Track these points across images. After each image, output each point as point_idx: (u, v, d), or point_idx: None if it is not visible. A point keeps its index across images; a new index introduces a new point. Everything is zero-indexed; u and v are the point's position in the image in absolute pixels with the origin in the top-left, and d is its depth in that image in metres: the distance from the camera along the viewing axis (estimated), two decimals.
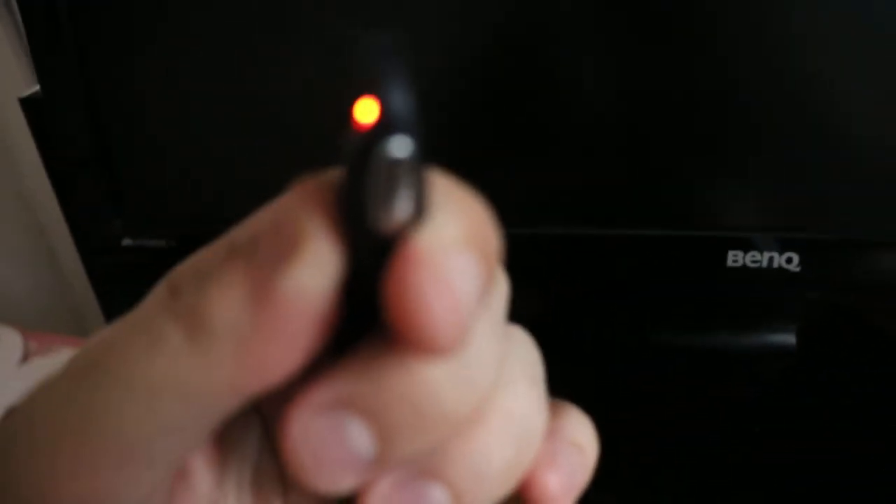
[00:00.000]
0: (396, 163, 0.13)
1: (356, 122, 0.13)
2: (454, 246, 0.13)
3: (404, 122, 0.13)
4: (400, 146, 0.13)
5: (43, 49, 0.40)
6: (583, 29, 0.37)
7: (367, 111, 0.13)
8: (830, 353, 0.48)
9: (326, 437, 0.15)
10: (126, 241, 0.44)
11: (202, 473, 0.17)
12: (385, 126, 0.13)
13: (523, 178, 0.39)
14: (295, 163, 0.42)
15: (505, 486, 0.16)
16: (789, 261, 0.39)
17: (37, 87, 0.42)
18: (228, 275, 0.14)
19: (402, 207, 0.13)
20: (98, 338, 0.16)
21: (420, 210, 0.13)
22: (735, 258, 0.40)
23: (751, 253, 0.39)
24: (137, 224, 0.45)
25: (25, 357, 0.53)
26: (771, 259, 0.40)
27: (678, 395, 0.43)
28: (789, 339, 0.47)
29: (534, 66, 0.38)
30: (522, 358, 0.17)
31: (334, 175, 0.14)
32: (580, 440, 0.18)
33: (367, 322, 0.14)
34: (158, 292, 0.16)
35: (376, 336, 0.14)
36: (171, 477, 0.16)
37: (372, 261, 0.13)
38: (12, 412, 0.16)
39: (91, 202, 0.44)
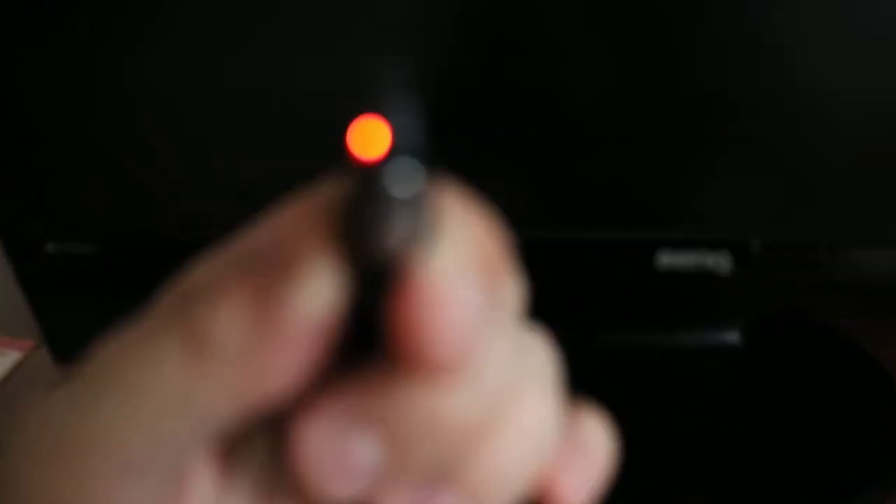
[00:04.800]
0: (401, 200, 0.13)
1: (357, 153, 0.13)
2: (460, 273, 0.14)
3: (411, 155, 0.13)
4: (406, 184, 0.13)
5: None
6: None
7: (366, 134, 0.13)
8: (774, 349, 0.48)
9: (336, 450, 0.15)
10: (50, 247, 0.43)
11: (205, 477, 0.17)
12: (390, 162, 0.13)
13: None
14: (229, 164, 0.41)
15: (520, 491, 0.17)
16: (719, 263, 0.40)
17: None
18: (232, 296, 0.14)
19: (405, 237, 0.13)
20: (104, 349, 0.16)
21: (424, 239, 0.13)
22: (665, 260, 0.40)
23: (681, 255, 0.39)
24: (61, 227, 0.44)
25: None
26: (701, 261, 0.40)
27: (623, 395, 0.43)
28: (733, 336, 0.48)
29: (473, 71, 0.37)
30: (537, 364, 0.17)
31: (335, 195, 0.14)
32: (596, 442, 0.18)
33: (372, 338, 0.15)
34: (165, 304, 0.17)
35: (383, 351, 0.15)
36: (172, 484, 0.16)
37: (375, 286, 0.14)
38: (19, 418, 0.16)
39: (11, 200, 0.43)
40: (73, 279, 0.46)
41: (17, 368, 0.54)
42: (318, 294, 0.14)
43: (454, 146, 0.39)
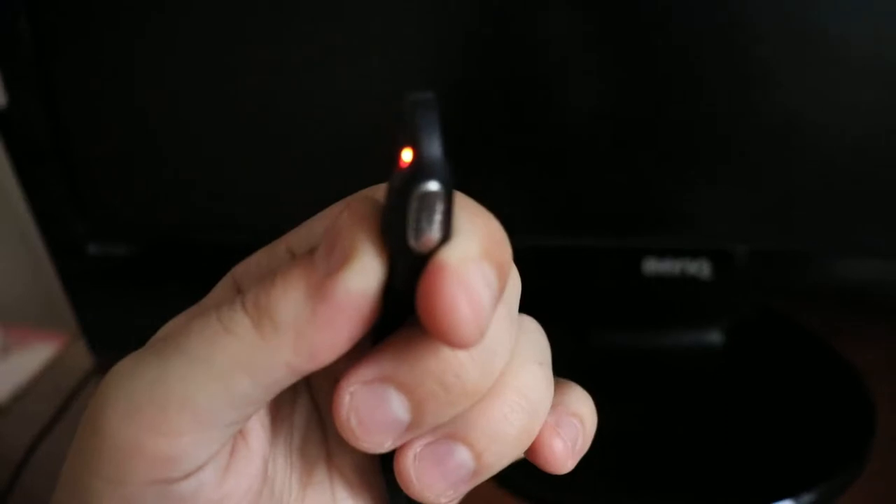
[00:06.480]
0: (429, 197, 0.15)
1: (394, 163, 0.16)
2: (474, 261, 0.16)
3: (437, 161, 0.15)
4: (433, 185, 0.15)
5: (6, 56, 0.41)
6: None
7: (401, 148, 0.16)
8: (753, 349, 0.50)
9: (371, 406, 0.18)
10: (92, 248, 0.45)
11: (258, 435, 0.20)
12: (421, 166, 0.15)
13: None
14: (257, 170, 0.43)
15: (518, 449, 0.20)
16: (701, 269, 0.41)
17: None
18: (291, 277, 0.17)
19: (432, 231, 0.16)
20: (176, 323, 0.20)
21: (447, 231, 0.16)
22: (651, 267, 0.42)
23: (664, 261, 0.41)
24: (102, 229, 0.45)
25: (4, 350, 0.54)
26: (683, 268, 0.42)
27: (610, 391, 0.44)
28: (715, 337, 0.50)
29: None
30: (532, 342, 0.20)
31: (378, 197, 0.17)
32: (581, 412, 0.21)
33: (403, 314, 0.17)
34: (225, 287, 0.20)
35: (411, 324, 0.18)
36: (232, 439, 0.19)
37: (408, 271, 0.16)
38: (110, 374, 0.18)
39: (55, 204, 0.44)
40: (110, 277, 0.47)
41: (54, 360, 0.55)
42: (364, 276, 0.16)
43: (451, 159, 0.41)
